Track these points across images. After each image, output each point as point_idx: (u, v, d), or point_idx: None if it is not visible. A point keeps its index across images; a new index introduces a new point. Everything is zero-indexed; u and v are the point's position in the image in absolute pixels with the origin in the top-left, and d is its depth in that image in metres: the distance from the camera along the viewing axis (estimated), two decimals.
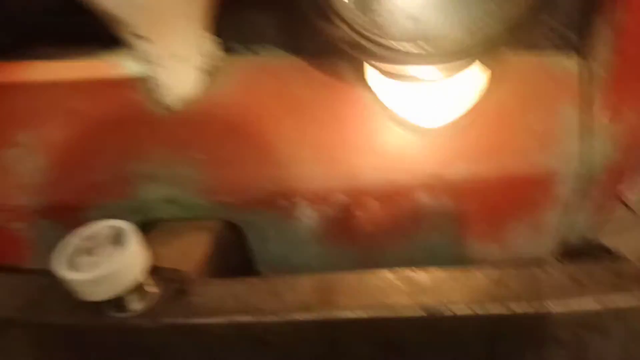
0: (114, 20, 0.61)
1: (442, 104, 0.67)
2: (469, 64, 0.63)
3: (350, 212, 0.69)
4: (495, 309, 0.50)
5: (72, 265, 0.50)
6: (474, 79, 0.66)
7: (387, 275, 0.56)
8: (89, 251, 0.51)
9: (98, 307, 0.54)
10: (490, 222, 0.70)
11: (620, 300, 0.50)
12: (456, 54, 0.54)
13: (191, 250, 0.61)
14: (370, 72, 0.67)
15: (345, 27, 0.55)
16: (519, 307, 0.50)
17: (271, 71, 0.72)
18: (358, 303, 0.53)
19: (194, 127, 0.69)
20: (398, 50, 0.55)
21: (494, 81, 0.68)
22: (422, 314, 0.51)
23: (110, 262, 0.49)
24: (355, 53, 0.58)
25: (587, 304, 0.50)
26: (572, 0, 0.64)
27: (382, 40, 0.55)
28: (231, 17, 0.71)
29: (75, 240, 0.52)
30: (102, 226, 0.53)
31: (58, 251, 0.51)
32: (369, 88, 0.68)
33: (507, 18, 0.52)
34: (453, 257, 0.73)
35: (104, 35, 0.76)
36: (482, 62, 0.65)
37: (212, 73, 0.72)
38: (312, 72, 0.71)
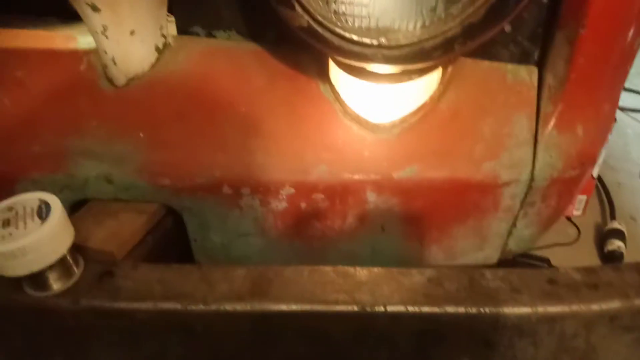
0: None
1: (398, 101, 0.66)
2: (425, 70, 0.63)
3: (297, 206, 0.67)
4: (428, 309, 0.49)
5: None
6: (430, 80, 0.66)
7: (326, 271, 0.55)
8: (8, 223, 0.48)
9: (16, 283, 0.51)
10: (436, 225, 0.70)
11: (552, 307, 0.50)
12: (410, 50, 0.54)
13: (122, 231, 0.59)
14: (331, 67, 0.66)
15: (306, 16, 0.54)
16: (452, 308, 0.49)
17: (228, 55, 0.70)
18: (292, 296, 0.52)
19: (140, 105, 0.66)
20: (355, 42, 0.54)
21: (450, 85, 0.68)
22: (356, 309, 0.50)
23: (27, 236, 0.46)
24: (314, 43, 0.57)
25: (519, 309, 0.50)
26: (537, 15, 0.64)
27: (341, 31, 0.54)
28: None
29: None
30: (26, 198, 0.50)
31: None
32: (329, 82, 0.68)
33: (463, 18, 0.52)
34: (397, 258, 0.73)
35: (58, 6, 0.74)
36: (440, 65, 0.65)
37: (165, 52, 0.70)
38: (271, 61, 0.70)
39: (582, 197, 1.35)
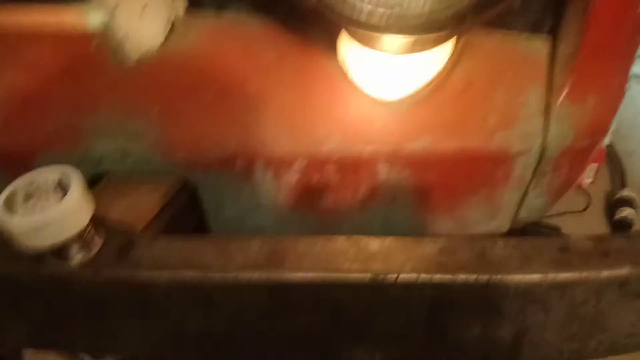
0: None
1: (409, 75, 0.66)
2: (439, 40, 0.62)
3: (310, 179, 0.68)
4: (440, 277, 0.50)
5: (11, 210, 0.48)
6: (441, 53, 0.66)
7: (340, 241, 0.56)
8: (30, 196, 0.49)
9: (38, 256, 0.52)
10: (448, 196, 0.71)
11: (563, 275, 0.51)
12: (425, 19, 0.54)
13: (140, 204, 0.60)
14: (342, 40, 0.66)
15: None
16: (464, 276, 0.50)
17: (238, 30, 0.70)
18: (307, 265, 0.53)
19: (153, 81, 0.67)
20: (369, 12, 0.54)
21: (462, 56, 0.67)
22: (369, 277, 0.51)
23: (50, 208, 0.47)
24: (328, 14, 0.57)
25: (530, 276, 0.51)
26: None
27: (354, 1, 0.54)
28: None
29: (17, 185, 0.50)
30: (46, 171, 0.51)
31: None
32: (340, 56, 0.67)
33: None
34: (409, 229, 0.74)
35: None
36: (451, 36, 0.65)
37: (176, 27, 0.70)
38: (282, 35, 0.70)
39: (592, 166, 1.35)
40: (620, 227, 1.24)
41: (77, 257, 0.52)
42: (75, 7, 0.74)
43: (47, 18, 0.70)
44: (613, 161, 1.45)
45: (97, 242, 0.53)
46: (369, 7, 0.54)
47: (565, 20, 0.65)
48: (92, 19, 0.69)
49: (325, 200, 0.70)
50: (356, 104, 0.67)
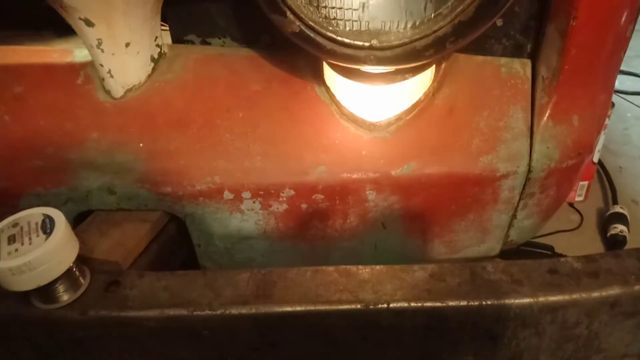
0: (65, 6, 0.59)
1: (392, 100, 0.67)
2: (418, 69, 0.63)
3: (298, 208, 0.68)
4: (430, 305, 0.50)
5: None
6: (423, 78, 0.67)
7: (329, 271, 0.56)
8: (14, 239, 0.49)
9: (25, 297, 0.52)
10: (436, 220, 0.70)
11: (553, 296, 0.50)
12: (402, 50, 0.54)
13: (127, 241, 0.59)
14: (326, 69, 0.67)
15: (297, 22, 0.55)
16: (455, 302, 0.50)
17: (223, 62, 0.71)
18: (296, 297, 0.53)
19: (139, 115, 0.67)
20: (347, 45, 0.55)
21: (444, 81, 0.68)
22: (359, 307, 0.50)
23: (33, 251, 0.47)
24: (307, 47, 0.58)
25: (521, 300, 0.51)
26: (529, 9, 0.65)
27: (332, 35, 0.55)
28: (183, 5, 0.70)
29: (0, 228, 0.49)
30: (30, 213, 0.51)
31: None
32: (324, 84, 0.68)
33: (453, 16, 0.53)
34: (399, 254, 0.73)
35: (54, 22, 0.75)
36: (433, 63, 0.66)
37: (161, 61, 0.70)
38: (266, 66, 0.71)
39: (583, 183, 1.35)
40: (614, 243, 1.24)
41: (63, 297, 0.51)
42: (60, 43, 0.75)
43: (33, 55, 0.71)
44: (604, 178, 1.46)
45: (83, 282, 0.52)
46: (347, 40, 0.55)
47: (544, 43, 0.66)
48: (77, 54, 0.70)
49: (314, 228, 0.70)
50: (341, 132, 0.68)
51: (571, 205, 1.36)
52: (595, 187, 1.45)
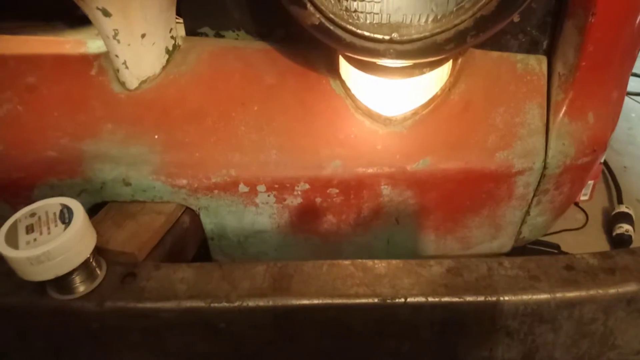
0: None
1: (409, 95, 0.67)
2: (437, 63, 0.63)
3: (312, 202, 0.68)
4: (448, 299, 0.50)
5: (14, 243, 0.47)
6: (440, 73, 0.67)
7: (345, 265, 0.56)
8: (32, 228, 0.48)
9: (41, 288, 0.51)
10: (450, 216, 0.70)
11: (570, 293, 0.50)
12: (422, 44, 0.54)
13: (142, 232, 0.59)
14: (342, 62, 0.66)
15: (317, 14, 0.54)
16: (472, 298, 0.50)
17: (238, 55, 0.71)
18: (313, 290, 0.53)
19: (154, 107, 0.67)
20: (367, 38, 0.54)
21: (460, 77, 0.68)
22: (377, 301, 0.50)
23: (52, 241, 0.46)
24: (326, 40, 0.57)
25: (538, 296, 0.51)
26: (546, 5, 0.65)
27: (353, 28, 0.54)
28: None
29: (18, 217, 0.49)
30: (48, 203, 0.50)
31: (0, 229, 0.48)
32: (339, 78, 0.68)
33: (475, 10, 0.52)
34: (411, 249, 0.73)
35: (69, 12, 0.74)
36: (451, 57, 0.65)
37: (175, 53, 0.70)
38: (281, 59, 0.71)
39: (589, 182, 1.35)
40: (620, 242, 1.24)
41: (79, 288, 0.51)
42: (73, 34, 0.74)
43: (46, 46, 0.71)
44: (609, 177, 1.46)
45: (100, 273, 0.52)
46: (367, 33, 0.54)
47: (560, 40, 0.66)
48: (91, 45, 0.70)
49: (328, 222, 0.70)
50: (357, 126, 0.68)
51: (576, 204, 1.36)
52: (600, 187, 1.45)
